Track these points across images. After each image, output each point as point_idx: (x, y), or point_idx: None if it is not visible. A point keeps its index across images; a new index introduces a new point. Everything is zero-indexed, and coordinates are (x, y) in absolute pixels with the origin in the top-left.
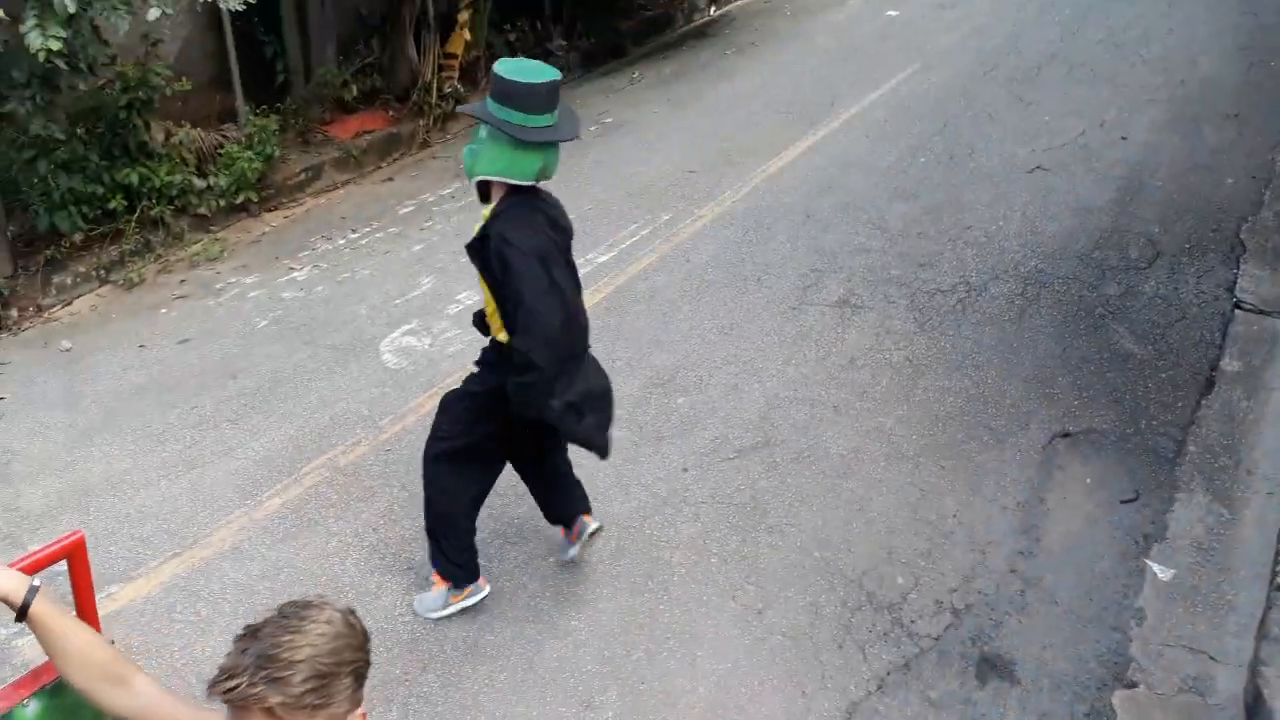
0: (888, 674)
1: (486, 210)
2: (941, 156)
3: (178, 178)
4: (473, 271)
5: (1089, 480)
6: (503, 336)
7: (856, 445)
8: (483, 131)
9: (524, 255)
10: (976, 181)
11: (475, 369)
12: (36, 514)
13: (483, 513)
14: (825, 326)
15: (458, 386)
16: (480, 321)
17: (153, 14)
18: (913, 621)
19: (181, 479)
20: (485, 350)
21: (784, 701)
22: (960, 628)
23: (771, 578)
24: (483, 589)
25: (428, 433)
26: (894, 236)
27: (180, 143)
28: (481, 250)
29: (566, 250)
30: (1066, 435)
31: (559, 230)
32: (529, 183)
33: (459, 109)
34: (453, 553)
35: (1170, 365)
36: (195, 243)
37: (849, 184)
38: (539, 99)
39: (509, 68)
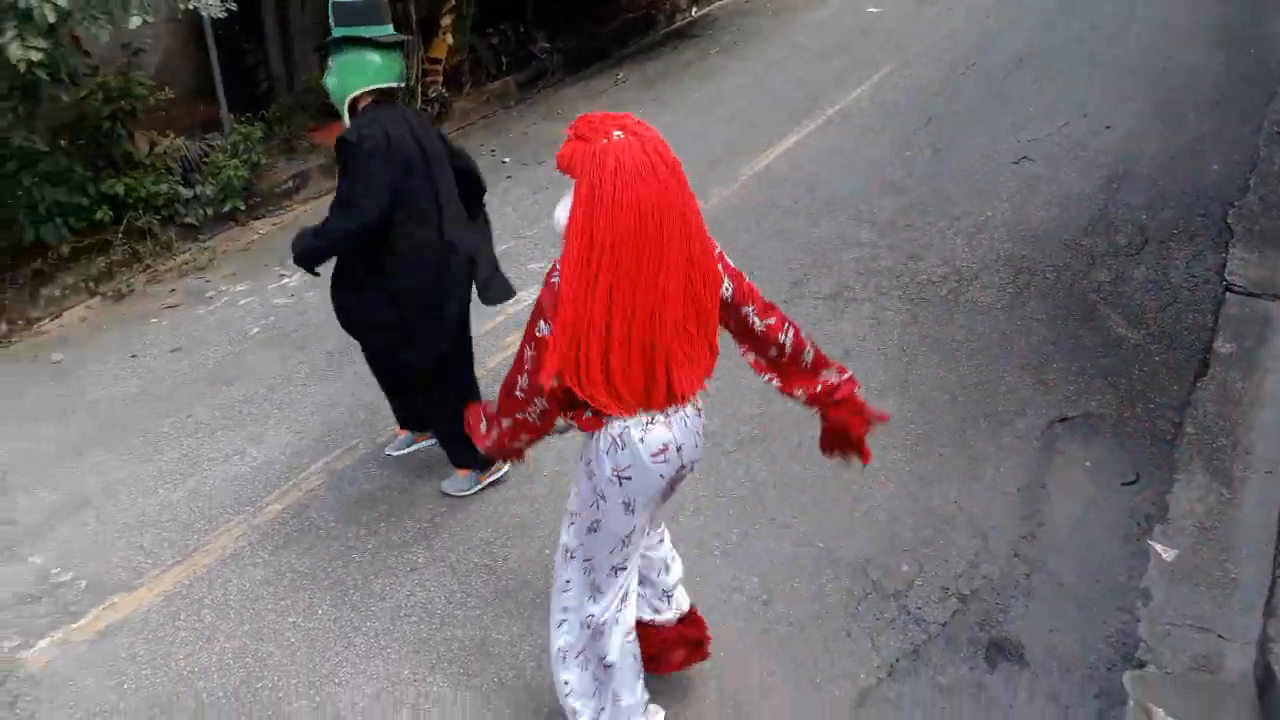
0: (897, 661)
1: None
2: (927, 150)
3: (164, 187)
4: None
5: (1088, 464)
6: None
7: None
8: (337, 59)
9: (365, 153)
10: (963, 174)
11: None
12: (35, 526)
13: (485, 510)
14: (819, 319)
15: None
16: None
17: (134, 23)
18: (919, 608)
19: (180, 487)
20: None
21: (794, 691)
22: (967, 613)
23: (775, 569)
24: (505, 465)
25: None
26: (883, 229)
27: (165, 152)
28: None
29: (436, 159)
30: (1064, 420)
31: (420, 141)
32: (396, 84)
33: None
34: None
35: (1164, 349)
36: (184, 252)
37: (836, 179)
38: (381, 11)
39: None
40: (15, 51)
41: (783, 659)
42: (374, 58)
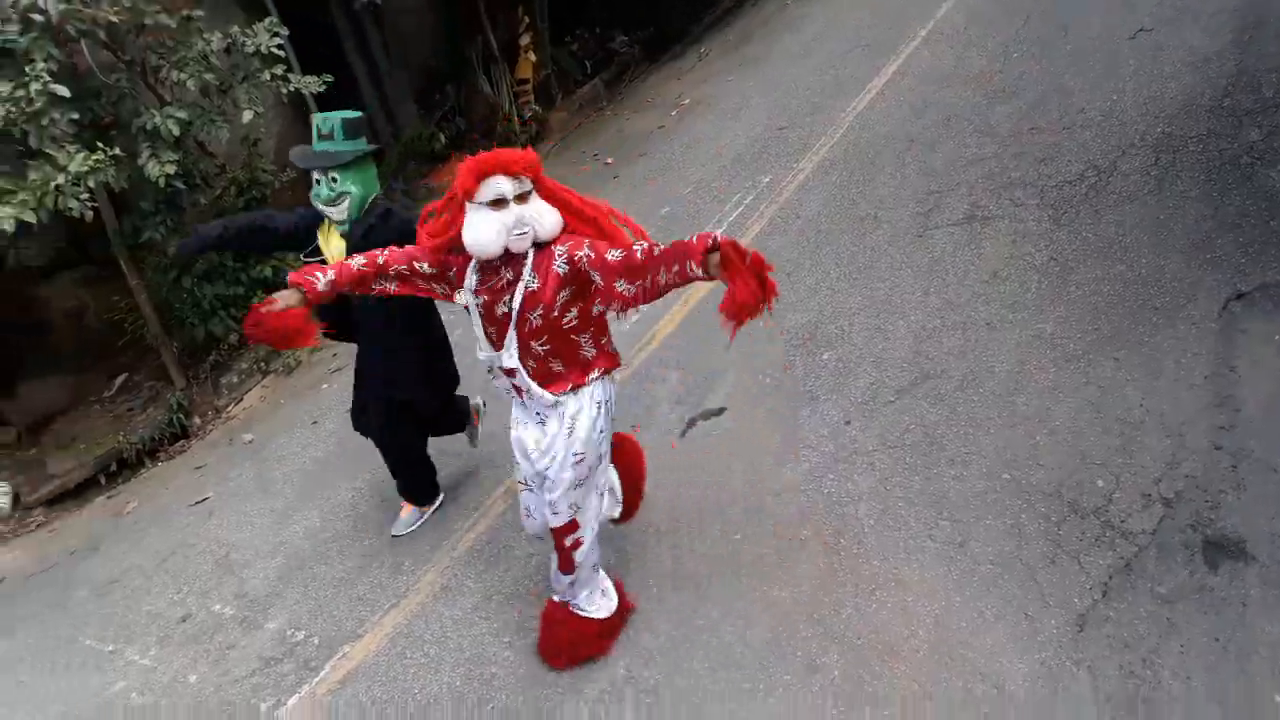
0: (1110, 579)
1: (344, 223)
2: (1034, 47)
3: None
4: None
5: (1277, 337)
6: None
7: (1020, 358)
8: (354, 173)
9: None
10: (1078, 62)
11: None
12: (264, 595)
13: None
14: (958, 246)
15: None
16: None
17: (246, 116)
18: (1123, 521)
19: (379, 536)
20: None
21: (1008, 628)
22: (1176, 517)
23: (965, 509)
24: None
25: None
26: (1005, 139)
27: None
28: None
29: None
30: (1240, 296)
31: None
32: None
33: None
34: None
35: None
36: None
37: (944, 99)
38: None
39: (345, 113)
40: (153, 169)
41: (990, 598)
42: (374, 165)
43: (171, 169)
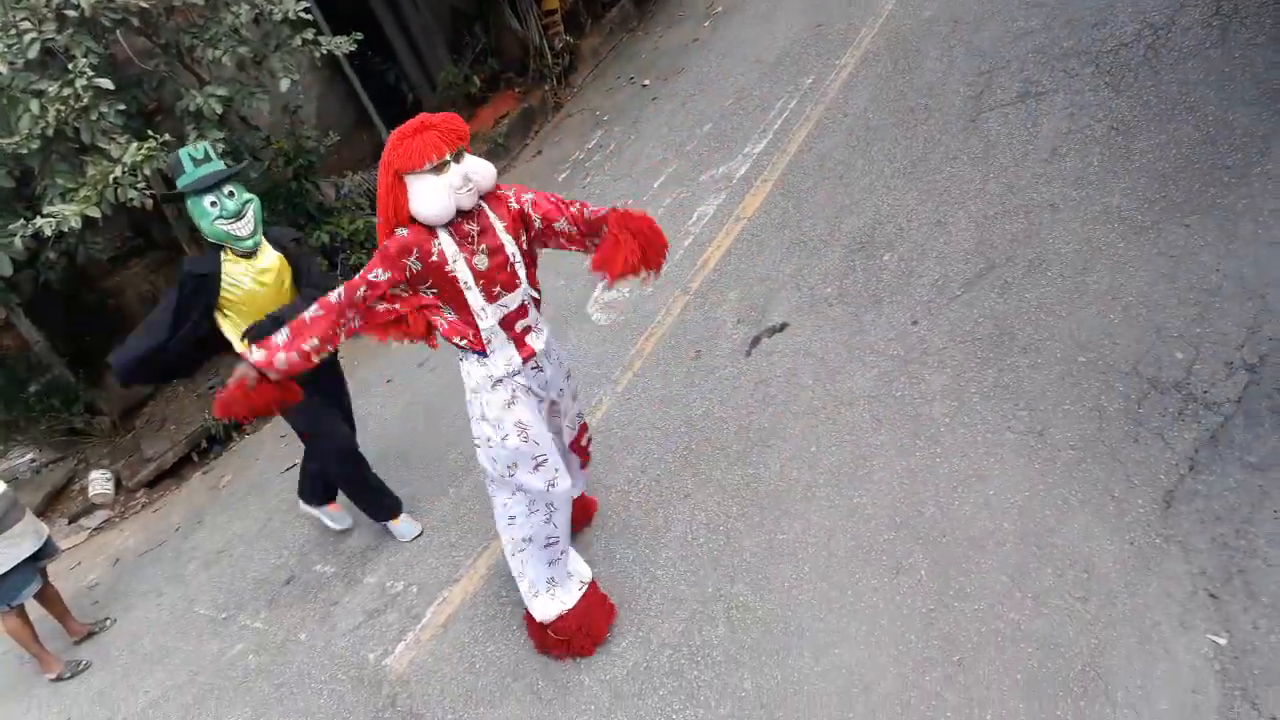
0: (1196, 452)
1: (251, 238)
2: None
3: (359, 224)
4: (646, 210)
5: None
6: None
7: (1087, 236)
8: (238, 183)
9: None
10: None
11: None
12: (361, 552)
13: (732, 426)
14: (1013, 127)
15: None
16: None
17: (284, 85)
18: (1205, 392)
19: (465, 482)
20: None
21: (1094, 511)
22: (1262, 382)
23: (1041, 397)
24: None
25: (657, 374)
26: (1053, 7)
27: (350, 191)
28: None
29: None
30: None
31: None
32: None
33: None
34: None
35: None
36: None
37: None
38: None
39: (203, 143)
40: None
41: (1074, 484)
42: None
43: (221, 147)
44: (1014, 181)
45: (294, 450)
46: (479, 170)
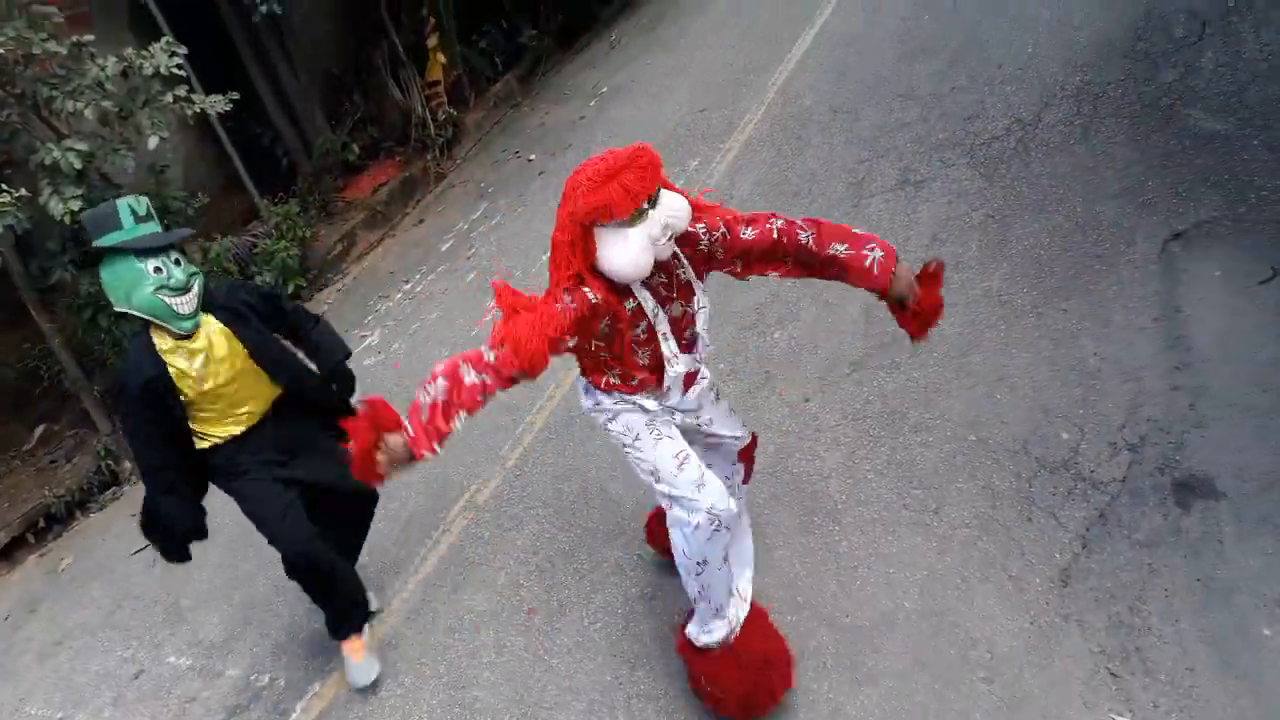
0: (1087, 530)
1: (191, 317)
2: (944, 3)
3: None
4: (535, 282)
5: (1218, 273)
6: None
7: (970, 318)
8: (191, 267)
9: None
10: (990, 16)
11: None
12: (221, 642)
13: (630, 507)
14: (894, 212)
15: None
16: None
17: (152, 143)
18: (1092, 471)
19: None
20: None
21: (994, 589)
22: (1143, 461)
23: (934, 475)
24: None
25: (551, 449)
26: (928, 101)
27: (218, 255)
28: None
29: None
30: (1177, 236)
31: None
32: None
33: None
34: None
35: (1259, 129)
36: None
37: (863, 64)
38: None
39: (137, 196)
40: (55, 207)
41: (972, 563)
42: None
43: (76, 204)
44: None
45: None
46: (677, 213)
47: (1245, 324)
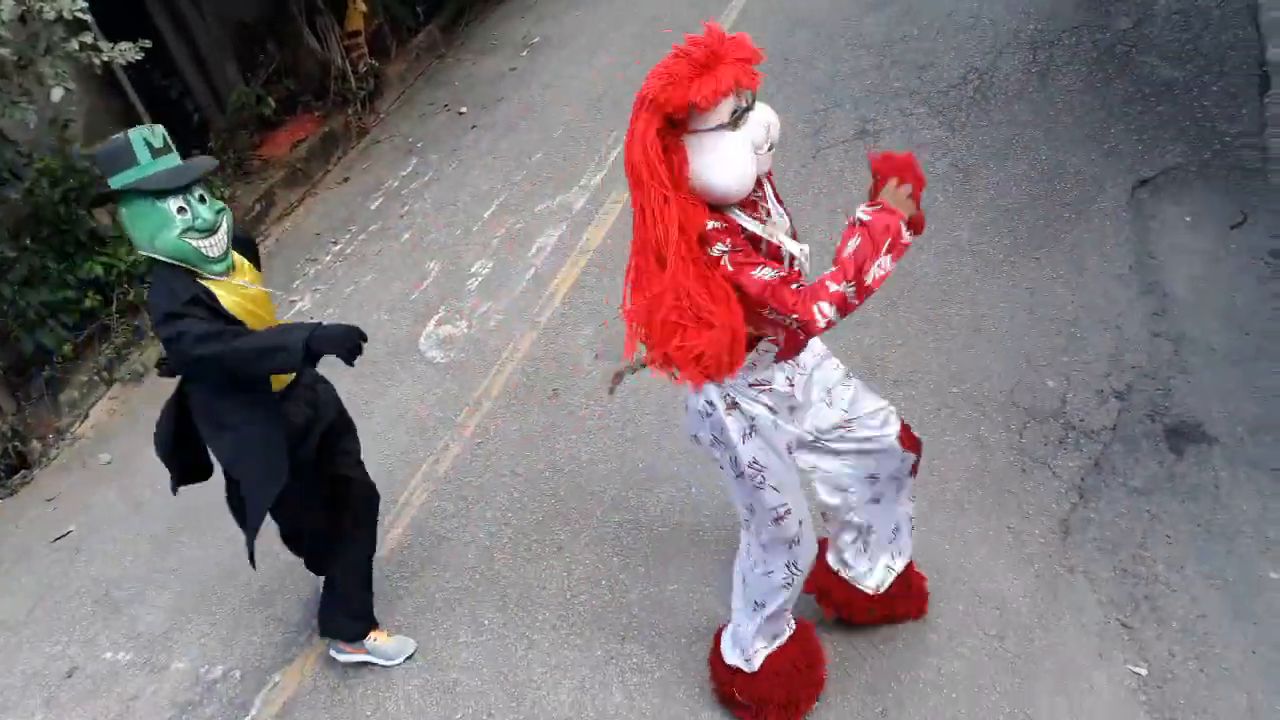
0: (1083, 480)
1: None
2: None
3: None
4: (477, 241)
5: (1188, 219)
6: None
7: (942, 268)
8: (218, 204)
9: None
10: None
11: None
12: (163, 634)
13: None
14: (855, 163)
15: None
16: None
17: (56, 94)
18: (1082, 420)
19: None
20: None
21: (993, 544)
22: (1132, 409)
23: (921, 428)
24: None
25: (511, 415)
26: (881, 49)
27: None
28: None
29: None
30: (1145, 183)
31: None
32: None
33: None
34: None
35: (1216, 75)
36: None
37: (813, 14)
38: None
39: (151, 126)
40: None
41: (968, 518)
42: None
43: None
44: None
45: (63, 515)
46: (775, 119)
47: (1219, 269)
